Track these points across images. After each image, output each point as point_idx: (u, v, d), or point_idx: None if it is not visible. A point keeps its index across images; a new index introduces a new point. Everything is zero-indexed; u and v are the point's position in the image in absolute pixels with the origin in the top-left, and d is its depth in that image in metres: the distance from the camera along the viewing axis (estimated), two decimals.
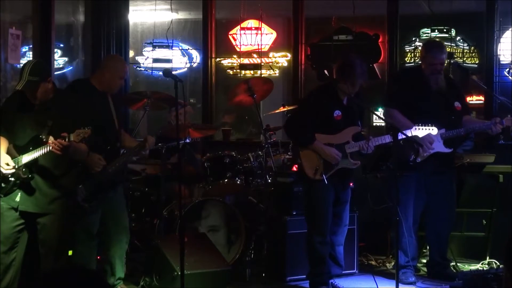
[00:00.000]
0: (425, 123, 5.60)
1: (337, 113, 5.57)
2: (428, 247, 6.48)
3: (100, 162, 5.17)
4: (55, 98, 4.98)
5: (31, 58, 7.69)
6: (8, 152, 4.92)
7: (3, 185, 4.89)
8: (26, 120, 4.93)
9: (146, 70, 8.85)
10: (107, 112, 5.46)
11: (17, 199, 4.92)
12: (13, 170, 4.85)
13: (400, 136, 5.32)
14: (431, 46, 6.09)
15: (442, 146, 5.85)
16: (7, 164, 4.84)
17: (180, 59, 8.85)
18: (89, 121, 4.85)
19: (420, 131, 5.52)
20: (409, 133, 5.48)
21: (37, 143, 4.83)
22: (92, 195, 5.20)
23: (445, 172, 5.99)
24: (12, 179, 4.88)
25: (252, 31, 8.60)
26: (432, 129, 5.52)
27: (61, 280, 2.26)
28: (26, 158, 4.85)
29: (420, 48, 6.68)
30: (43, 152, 4.79)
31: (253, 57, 8.59)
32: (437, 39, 7.67)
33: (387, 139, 5.53)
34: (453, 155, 6.04)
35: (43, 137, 4.81)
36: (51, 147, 4.70)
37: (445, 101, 5.91)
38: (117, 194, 5.49)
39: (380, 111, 7.97)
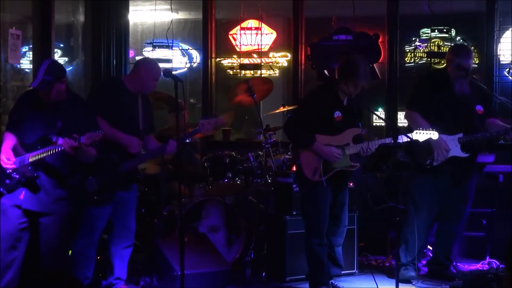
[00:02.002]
0: (444, 127, 5.58)
1: (337, 114, 5.53)
2: (428, 247, 6.49)
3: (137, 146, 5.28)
4: (67, 100, 4.99)
5: (31, 58, 7.70)
6: (14, 150, 4.93)
7: (7, 181, 4.90)
8: (36, 120, 4.94)
9: None
10: (133, 113, 5.45)
11: (21, 197, 4.93)
12: (14, 166, 4.86)
13: (401, 139, 5.31)
14: (458, 50, 6.09)
15: (459, 151, 5.81)
16: (8, 159, 4.86)
17: (180, 59, 8.85)
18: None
19: (420, 135, 5.48)
20: (409, 137, 5.46)
21: (45, 143, 4.85)
22: (103, 189, 5.22)
23: (464, 178, 5.98)
24: (17, 176, 4.89)
25: (252, 31, 8.59)
26: (433, 134, 5.49)
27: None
28: (33, 156, 4.86)
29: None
30: (52, 152, 4.80)
31: (253, 57, 8.58)
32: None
33: (387, 141, 5.51)
34: (474, 161, 6.00)
35: (52, 137, 4.82)
36: (63, 146, 4.72)
37: (467, 106, 5.86)
38: (129, 195, 5.48)
39: (380, 111, 8.01)
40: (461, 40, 7.97)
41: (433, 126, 5.58)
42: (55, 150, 4.78)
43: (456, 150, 5.80)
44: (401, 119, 7.51)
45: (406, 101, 6.14)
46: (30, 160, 4.88)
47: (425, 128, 5.49)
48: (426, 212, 5.95)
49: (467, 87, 5.89)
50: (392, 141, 5.20)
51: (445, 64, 6.14)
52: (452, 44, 7.72)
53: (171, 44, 8.48)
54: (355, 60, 5.50)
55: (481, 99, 5.95)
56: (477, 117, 5.88)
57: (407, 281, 5.91)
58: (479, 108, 5.89)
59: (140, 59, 5.75)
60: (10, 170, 4.89)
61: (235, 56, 8.61)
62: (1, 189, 4.94)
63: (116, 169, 5.29)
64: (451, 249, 6.15)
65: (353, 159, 5.57)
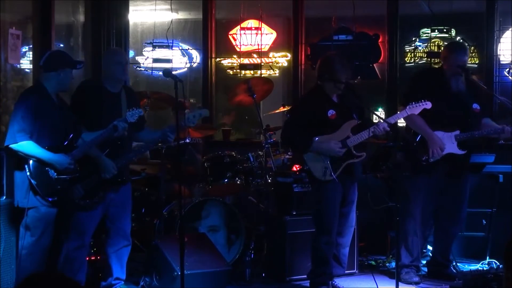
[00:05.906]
0: (440, 124, 5.64)
1: (331, 112, 5.57)
2: (428, 247, 6.49)
3: (113, 170, 5.21)
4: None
5: (31, 58, 7.69)
6: None
7: (58, 187, 5.02)
8: (56, 118, 5.07)
9: (146, 70, 8.85)
10: (117, 111, 5.38)
11: None
12: (72, 164, 5.02)
13: (401, 115, 5.45)
14: (455, 47, 6.09)
15: (456, 148, 5.82)
16: (67, 158, 5.00)
17: (180, 59, 8.84)
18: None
19: (414, 109, 5.51)
20: (404, 113, 5.53)
21: (73, 141, 5.07)
22: (90, 193, 5.18)
23: (460, 175, 5.98)
24: (67, 177, 5.01)
25: (252, 31, 8.59)
26: (426, 104, 5.51)
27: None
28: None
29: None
30: (107, 135, 5.10)
31: (253, 57, 8.58)
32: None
33: (396, 118, 5.56)
34: (468, 160, 6.00)
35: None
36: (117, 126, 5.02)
37: (463, 103, 5.86)
38: (119, 197, 5.41)
39: (380, 111, 8.01)
40: (461, 40, 7.97)
41: (429, 123, 5.64)
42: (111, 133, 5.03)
43: (452, 147, 5.82)
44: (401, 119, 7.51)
45: (401, 99, 6.14)
46: (80, 154, 5.05)
47: (416, 102, 5.52)
48: (421, 210, 5.94)
49: (463, 85, 5.90)
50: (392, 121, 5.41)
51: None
52: (452, 43, 7.70)
53: (171, 44, 8.48)
54: (329, 58, 5.60)
55: (478, 98, 5.96)
56: (474, 115, 5.89)
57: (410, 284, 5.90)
58: (476, 106, 5.90)
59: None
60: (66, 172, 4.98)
61: (235, 56, 8.61)
62: (50, 198, 4.98)
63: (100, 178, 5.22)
64: (449, 250, 6.14)
65: (357, 150, 5.60)
